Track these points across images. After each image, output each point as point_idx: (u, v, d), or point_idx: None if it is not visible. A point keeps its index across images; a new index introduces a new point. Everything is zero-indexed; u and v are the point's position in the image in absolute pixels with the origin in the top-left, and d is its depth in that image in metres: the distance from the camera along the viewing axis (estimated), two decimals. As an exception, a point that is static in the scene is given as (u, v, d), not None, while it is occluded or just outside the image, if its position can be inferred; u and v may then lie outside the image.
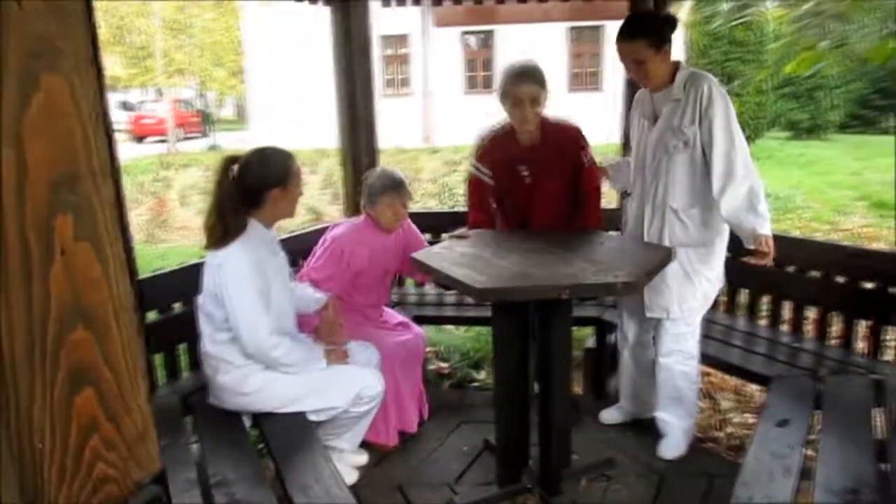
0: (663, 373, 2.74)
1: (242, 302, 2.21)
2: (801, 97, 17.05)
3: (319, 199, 9.96)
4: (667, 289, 2.62)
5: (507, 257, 2.36)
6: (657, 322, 2.73)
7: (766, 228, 2.45)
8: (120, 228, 0.88)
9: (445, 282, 2.26)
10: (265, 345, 2.26)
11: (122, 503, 0.90)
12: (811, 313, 2.97)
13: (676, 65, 2.56)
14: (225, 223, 2.22)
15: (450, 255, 2.42)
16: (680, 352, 2.70)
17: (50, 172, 0.78)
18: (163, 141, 20.65)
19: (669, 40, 2.53)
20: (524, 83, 2.70)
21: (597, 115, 14.49)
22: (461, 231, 2.76)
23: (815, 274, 2.89)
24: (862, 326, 2.78)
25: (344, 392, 2.43)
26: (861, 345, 2.77)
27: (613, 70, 17.32)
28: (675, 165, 2.56)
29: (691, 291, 2.62)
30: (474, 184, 3.04)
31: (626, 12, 3.37)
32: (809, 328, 2.99)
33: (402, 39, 18.19)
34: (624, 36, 2.50)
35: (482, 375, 3.92)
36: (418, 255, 2.39)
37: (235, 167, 2.27)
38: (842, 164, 12.04)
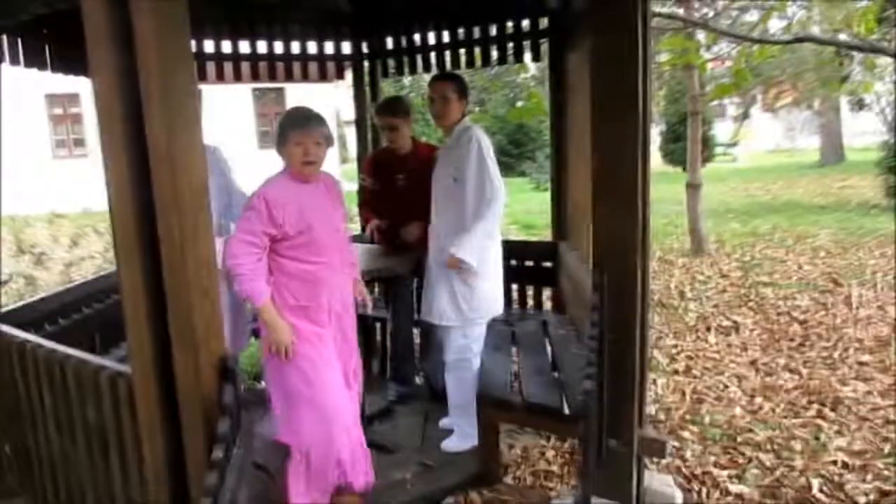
0: (449, 380, 3.24)
1: None
2: (457, 149, 20.36)
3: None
4: (433, 297, 3.18)
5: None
6: (444, 334, 3.23)
7: (461, 253, 2.98)
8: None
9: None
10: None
11: (223, 367, 1.69)
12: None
13: (462, 119, 3.18)
14: None
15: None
16: (460, 361, 3.19)
17: (197, 187, 1.60)
18: None
19: (467, 99, 3.22)
20: (388, 114, 3.60)
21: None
22: None
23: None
24: (531, 290, 4.26)
25: None
26: (531, 302, 4.24)
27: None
28: (446, 199, 3.15)
29: (450, 306, 3.13)
30: (362, 191, 4.05)
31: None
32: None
33: (73, 98, 16.84)
34: (442, 76, 3.44)
35: (263, 385, 4.58)
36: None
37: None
38: (495, 199, 14.95)
